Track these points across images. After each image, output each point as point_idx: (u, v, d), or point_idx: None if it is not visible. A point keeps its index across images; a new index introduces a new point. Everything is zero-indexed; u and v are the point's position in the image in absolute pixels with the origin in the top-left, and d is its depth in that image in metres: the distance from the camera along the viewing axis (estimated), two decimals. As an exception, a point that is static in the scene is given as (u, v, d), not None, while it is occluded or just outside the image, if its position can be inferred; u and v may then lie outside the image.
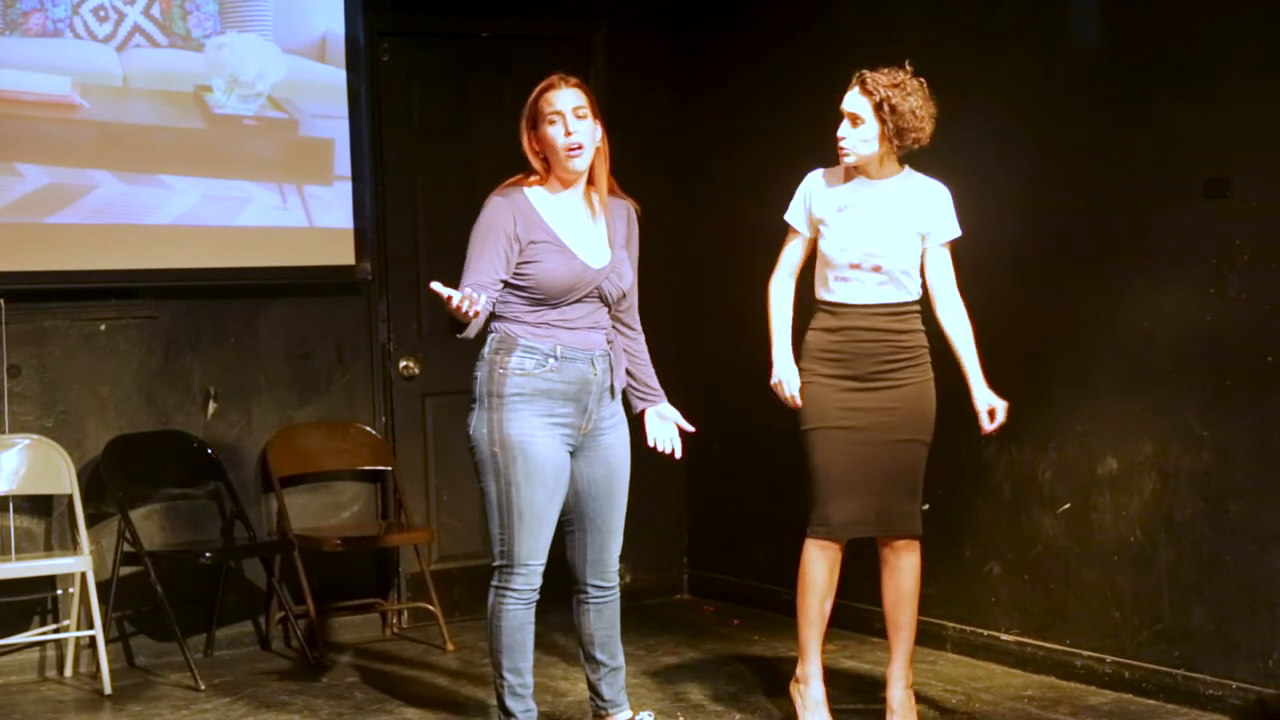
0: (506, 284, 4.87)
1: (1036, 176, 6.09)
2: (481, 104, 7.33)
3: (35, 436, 6.46)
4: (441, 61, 7.35)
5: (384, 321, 7.21)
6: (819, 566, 5.34)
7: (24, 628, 6.50)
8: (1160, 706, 5.64)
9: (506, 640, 4.97)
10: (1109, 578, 5.88)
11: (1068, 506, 6.02)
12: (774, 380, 5.33)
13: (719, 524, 7.54)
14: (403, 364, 7.24)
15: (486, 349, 4.93)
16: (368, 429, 7.12)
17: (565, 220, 4.96)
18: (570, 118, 4.89)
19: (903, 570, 5.38)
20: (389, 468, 7.13)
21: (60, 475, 6.44)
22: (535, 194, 4.95)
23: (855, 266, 5.23)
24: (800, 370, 5.31)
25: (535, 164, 4.96)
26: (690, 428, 5.18)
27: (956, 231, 5.31)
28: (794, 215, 5.37)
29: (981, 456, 6.28)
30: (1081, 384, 5.97)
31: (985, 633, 6.33)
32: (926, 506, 6.47)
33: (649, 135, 7.52)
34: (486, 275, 4.82)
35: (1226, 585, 5.54)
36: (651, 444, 5.14)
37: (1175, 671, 5.67)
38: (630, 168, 7.46)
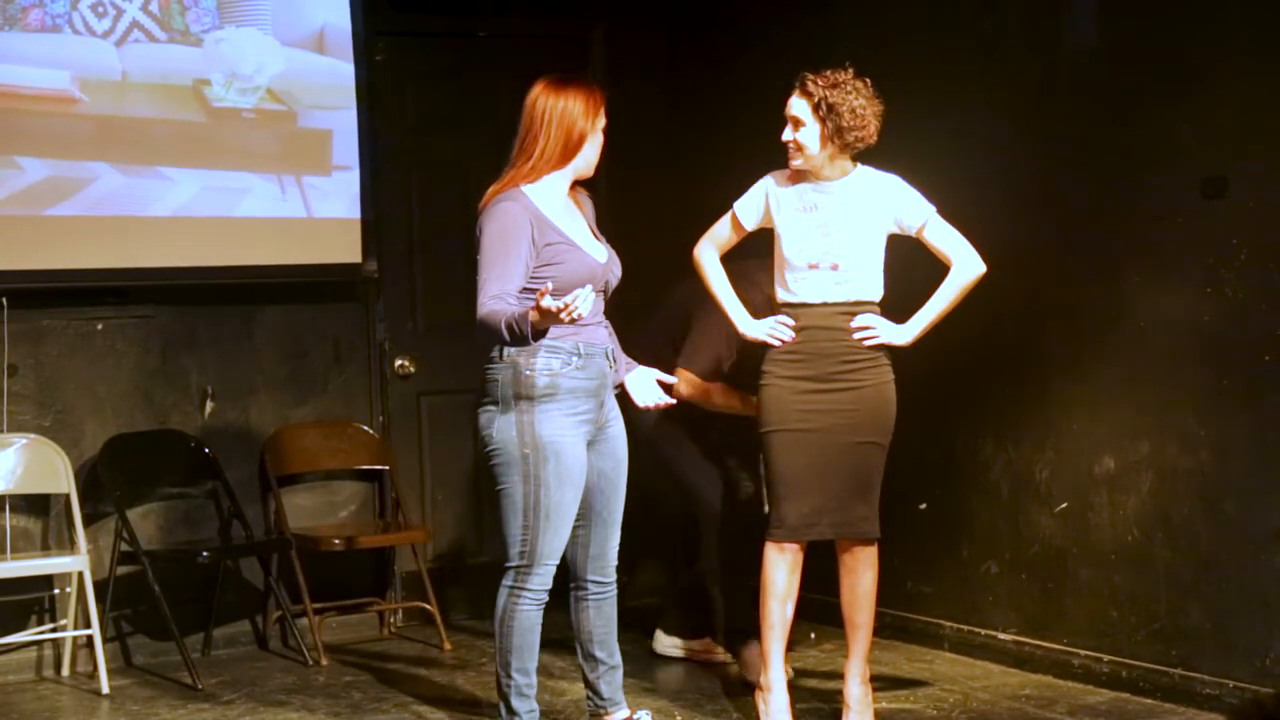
0: (524, 288, 4.83)
1: (1033, 176, 6.10)
2: (478, 103, 7.33)
3: (32, 436, 6.46)
4: (438, 61, 7.35)
5: (381, 320, 7.21)
6: (779, 569, 5.36)
7: (21, 627, 6.50)
8: (1157, 706, 5.64)
9: (518, 640, 4.97)
10: (1106, 577, 5.89)
11: (1065, 506, 6.02)
12: (752, 336, 5.35)
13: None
14: (399, 362, 7.24)
15: (507, 351, 4.89)
16: (365, 428, 7.12)
17: (565, 219, 4.99)
18: None
19: (860, 573, 5.40)
20: (386, 467, 7.13)
21: (57, 474, 6.43)
22: (535, 193, 4.95)
23: (814, 267, 5.28)
24: (763, 371, 5.36)
25: (557, 156, 4.94)
26: (671, 379, 5.25)
27: (929, 206, 5.34)
28: (745, 209, 5.41)
29: (979, 455, 6.29)
30: (1079, 383, 5.97)
31: (982, 632, 6.34)
32: (924, 506, 6.49)
33: (646, 134, 7.52)
34: (515, 281, 4.79)
35: (1223, 584, 5.55)
36: (642, 405, 5.17)
37: (1172, 671, 5.67)
38: (628, 167, 7.51)
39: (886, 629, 6.60)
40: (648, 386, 5.18)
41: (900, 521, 6.34)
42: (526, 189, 4.94)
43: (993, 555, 6.29)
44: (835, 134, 5.19)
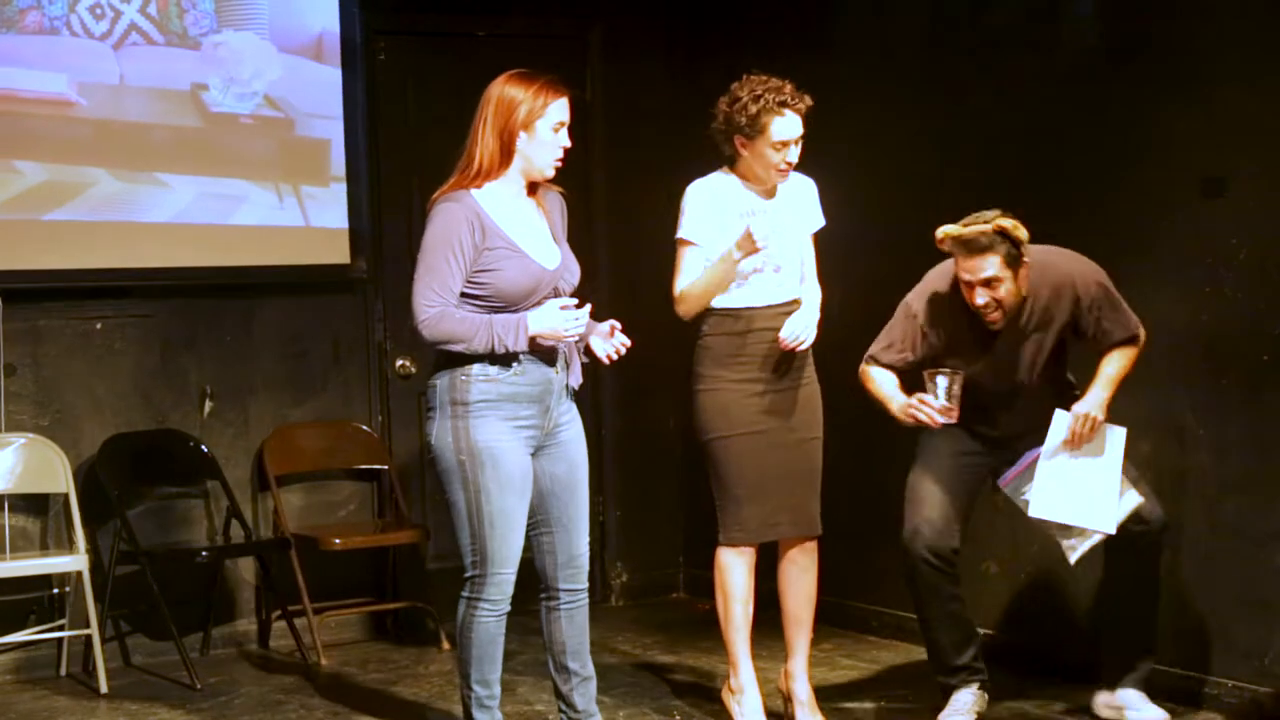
0: (463, 293, 4.78)
1: (1033, 176, 6.09)
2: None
3: (31, 435, 6.46)
4: (439, 61, 7.34)
5: (380, 320, 7.21)
6: (738, 573, 5.38)
7: (20, 626, 6.49)
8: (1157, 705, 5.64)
9: (477, 652, 4.89)
10: (1106, 577, 5.88)
11: (1065, 506, 6.01)
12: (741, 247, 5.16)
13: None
14: (399, 363, 7.24)
15: (448, 358, 4.82)
16: (364, 428, 7.12)
17: (515, 222, 4.85)
18: (566, 128, 4.87)
19: (809, 569, 5.44)
20: (385, 467, 7.13)
21: (56, 474, 6.43)
22: (483, 197, 4.82)
23: (757, 270, 5.26)
24: (703, 377, 5.32)
25: (498, 158, 4.82)
26: (617, 324, 4.92)
27: (822, 221, 5.43)
28: (697, 231, 5.30)
29: (978, 456, 6.27)
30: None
31: (982, 631, 6.31)
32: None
33: (646, 135, 7.53)
34: (451, 287, 4.75)
35: (1223, 584, 5.55)
36: (605, 358, 4.95)
37: (1172, 670, 5.67)
38: (628, 167, 7.51)
39: (885, 628, 6.61)
40: (601, 339, 4.94)
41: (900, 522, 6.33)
42: (475, 192, 4.81)
43: (992, 555, 6.29)
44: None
